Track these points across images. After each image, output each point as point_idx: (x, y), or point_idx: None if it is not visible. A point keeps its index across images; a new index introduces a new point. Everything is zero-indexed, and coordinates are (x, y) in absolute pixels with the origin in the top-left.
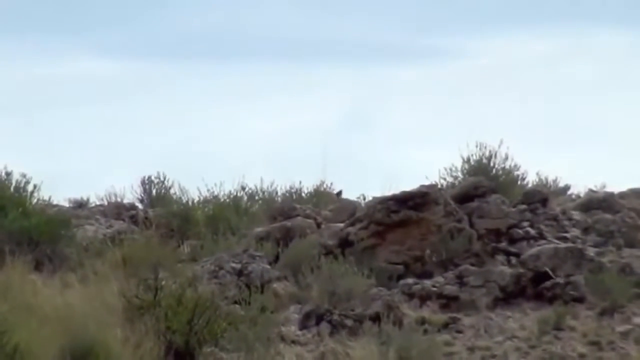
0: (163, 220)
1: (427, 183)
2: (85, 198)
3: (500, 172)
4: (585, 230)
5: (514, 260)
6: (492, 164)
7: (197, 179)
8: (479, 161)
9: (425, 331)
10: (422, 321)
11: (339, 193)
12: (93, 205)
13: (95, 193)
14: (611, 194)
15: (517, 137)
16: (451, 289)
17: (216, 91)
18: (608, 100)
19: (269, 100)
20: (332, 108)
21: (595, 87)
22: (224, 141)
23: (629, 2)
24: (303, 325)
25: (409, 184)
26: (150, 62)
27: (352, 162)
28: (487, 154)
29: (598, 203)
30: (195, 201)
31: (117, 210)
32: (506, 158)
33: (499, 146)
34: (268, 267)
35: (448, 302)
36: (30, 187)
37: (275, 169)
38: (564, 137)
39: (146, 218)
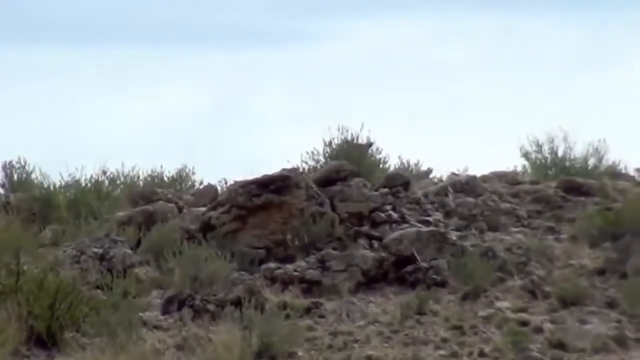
0: (24, 205)
1: (289, 167)
2: None
3: (362, 155)
4: (448, 214)
5: (376, 244)
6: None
7: (60, 165)
8: (341, 145)
9: (288, 316)
10: (284, 306)
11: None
12: None
13: None
14: (473, 177)
15: (381, 121)
16: (313, 274)
17: (84, 77)
18: (474, 85)
19: (138, 87)
20: (202, 94)
21: (461, 71)
22: (89, 128)
23: None
24: (165, 310)
25: (273, 168)
26: (11, 48)
27: (218, 147)
28: (349, 137)
29: (460, 186)
30: (57, 186)
31: None
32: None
33: (361, 130)
34: (130, 251)
35: (310, 286)
36: None
37: (140, 154)
38: (428, 121)
39: (7, 203)
